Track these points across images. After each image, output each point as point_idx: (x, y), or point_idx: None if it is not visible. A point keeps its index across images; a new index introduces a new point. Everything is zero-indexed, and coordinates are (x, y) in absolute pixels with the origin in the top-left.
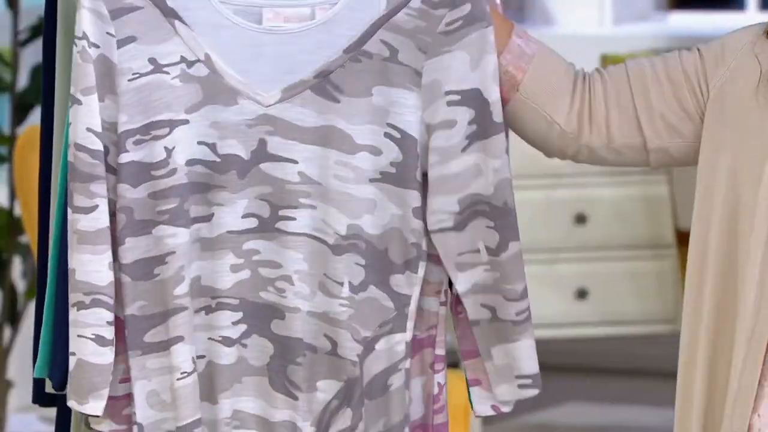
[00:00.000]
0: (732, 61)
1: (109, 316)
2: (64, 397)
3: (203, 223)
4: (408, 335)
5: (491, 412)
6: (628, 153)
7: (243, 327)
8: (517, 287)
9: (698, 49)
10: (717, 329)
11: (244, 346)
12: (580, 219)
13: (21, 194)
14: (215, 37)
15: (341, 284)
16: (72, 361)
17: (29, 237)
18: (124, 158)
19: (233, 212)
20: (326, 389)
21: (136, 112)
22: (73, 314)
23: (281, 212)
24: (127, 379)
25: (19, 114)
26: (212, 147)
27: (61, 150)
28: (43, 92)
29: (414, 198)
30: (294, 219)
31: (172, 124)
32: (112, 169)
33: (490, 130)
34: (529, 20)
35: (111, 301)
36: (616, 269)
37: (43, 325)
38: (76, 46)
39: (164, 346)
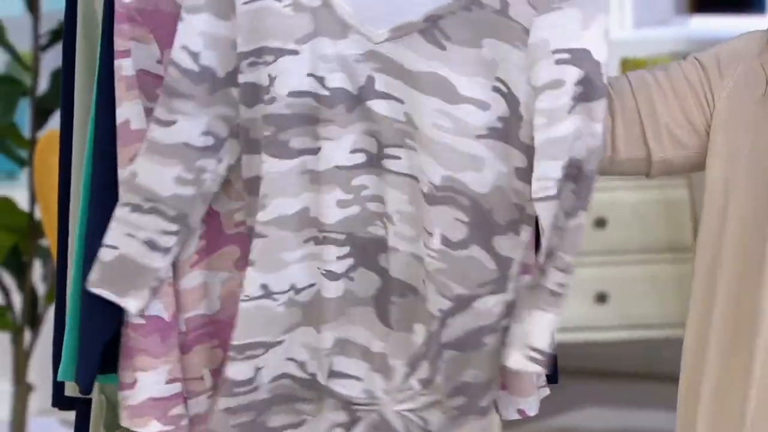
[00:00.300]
0: (735, 71)
1: (167, 226)
2: (83, 401)
3: (309, 156)
4: (509, 296)
5: (516, 416)
6: (629, 164)
7: (350, 261)
8: (568, 258)
9: (697, 60)
10: (730, 333)
11: (351, 279)
12: (600, 223)
13: (41, 197)
14: None
15: (431, 235)
16: (110, 253)
17: (49, 240)
18: (241, 78)
19: (342, 147)
20: (419, 332)
21: (248, 36)
22: (123, 212)
23: (387, 150)
24: (174, 380)
25: (40, 118)
26: (320, 80)
27: (81, 153)
28: (62, 96)
29: (517, 158)
30: (399, 158)
31: (279, 53)
32: (238, 86)
33: (596, 93)
34: None
35: (172, 213)
36: (636, 273)
37: (67, 328)
38: None
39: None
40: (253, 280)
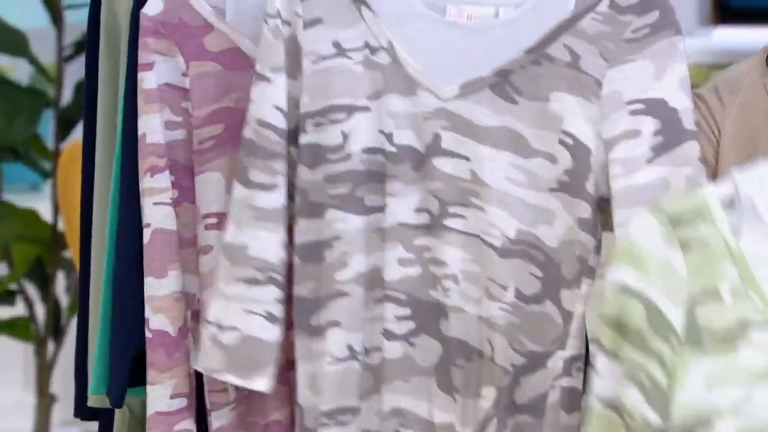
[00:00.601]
0: (738, 97)
1: (280, 294)
2: (105, 412)
3: (379, 213)
4: (567, 353)
5: None
6: None
7: (411, 324)
8: None
9: (697, 95)
10: None
11: (412, 344)
12: None
13: (64, 209)
14: (400, 26)
15: (505, 288)
16: (232, 335)
17: (72, 252)
18: (303, 139)
19: (406, 204)
20: (488, 396)
21: (316, 94)
22: (238, 289)
23: (451, 209)
24: (179, 395)
25: (63, 129)
26: (389, 137)
27: (104, 165)
28: (85, 108)
29: (583, 209)
30: (463, 217)
31: (352, 110)
32: (298, 148)
33: (680, 138)
34: None
35: (282, 280)
36: None
37: (98, 342)
38: (267, 23)
39: (323, 330)
40: (339, 340)
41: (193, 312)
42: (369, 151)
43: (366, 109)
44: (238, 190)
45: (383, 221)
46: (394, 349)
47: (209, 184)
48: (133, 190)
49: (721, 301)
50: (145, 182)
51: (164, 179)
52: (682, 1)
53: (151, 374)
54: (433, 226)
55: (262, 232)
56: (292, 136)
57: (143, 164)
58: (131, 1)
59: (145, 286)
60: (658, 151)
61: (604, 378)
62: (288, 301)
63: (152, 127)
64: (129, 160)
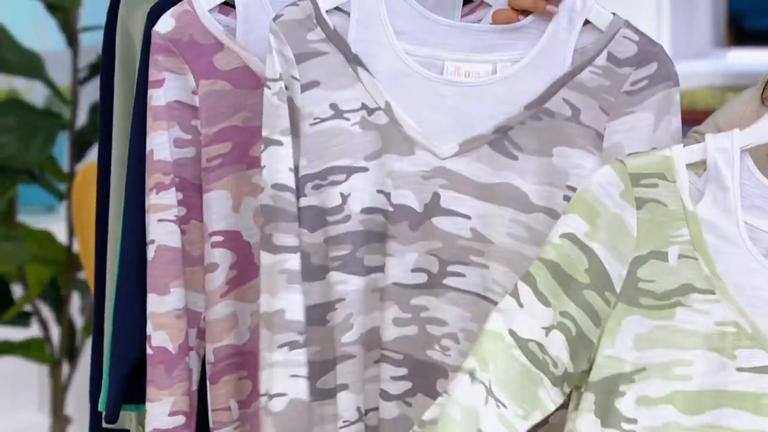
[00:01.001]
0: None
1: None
2: None
3: (378, 273)
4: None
5: None
6: None
7: (407, 384)
8: None
9: (697, 133)
10: None
11: (408, 404)
12: None
13: (79, 230)
14: (396, 86)
15: None
16: (280, 402)
17: (87, 273)
18: (303, 202)
19: (402, 265)
20: None
21: (315, 156)
22: (282, 355)
23: (450, 268)
24: (178, 413)
25: (78, 151)
26: (387, 196)
27: (118, 186)
28: (100, 130)
29: None
30: (463, 276)
31: (350, 171)
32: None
33: None
34: None
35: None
36: None
37: (105, 359)
38: (270, 88)
39: (332, 393)
40: (349, 403)
41: (198, 330)
42: (368, 211)
43: (364, 169)
44: (265, 257)
45: (381, 281)
46: (389, 410)
47: (216, 203)
48: (137, 207)
49: (667, 262)
50: (151, 199)
51: (169, 196)
52: (696, 22)
53: (150, 391)
54: (432, 286)
55: (294, 295)
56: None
57: (149, 181)
58: (145, 22)
59: (147, 302)
60: None
61: (526, 313)
62: None
63: (160, 144)
64: (134, 176)
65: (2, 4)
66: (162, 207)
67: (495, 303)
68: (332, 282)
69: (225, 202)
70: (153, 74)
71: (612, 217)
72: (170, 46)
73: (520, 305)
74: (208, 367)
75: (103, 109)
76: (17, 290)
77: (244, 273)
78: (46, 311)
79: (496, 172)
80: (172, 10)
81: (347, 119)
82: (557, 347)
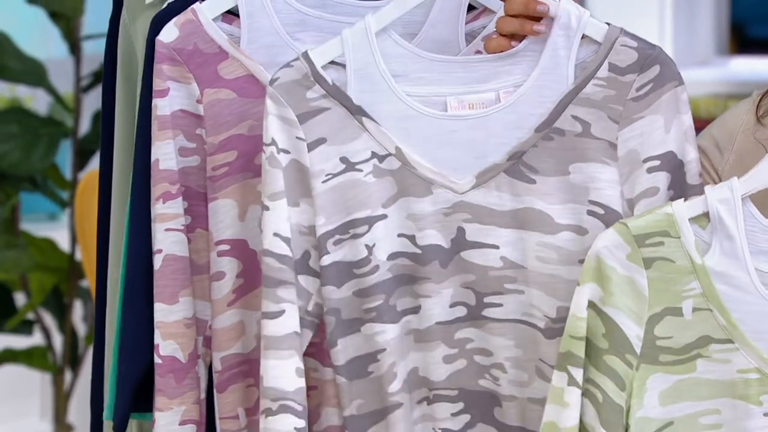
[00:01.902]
0: (733, 146)
1: (297, 422)
2: None
3: (412, 315)
4: None
5: None
6: None
7: (466, 417)
8: None
9: (699, 148)
10: None
11: None
12: None
13: (81, 239)
14: (404, 129)
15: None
16: None
17: (89, 281)
18: (326, 260)
19: (440, 303)
20: None
21: (332, 212)
22: (262, 422)
23: (486, 299)
24: (188, 422)
25: (81, 159)
26: (411, 239)
27: (120, 194)
28: (102, 138)
29: None
30: (501, 305)
31: (371, 221)
32: (315, 273)
33: (686, 193)
34: None
35: (299, 408)
36: None
37: (111, 368)
38: (264, 152)
39: None
40: None
41: (205, 338)
42: (394, 257)
43: (384, 217)
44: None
45: (417, 323)
46: None
47: (222, 211)
48: (143, 216)
49: (682, 317)
50: (157, 208)
51: (177, 205)
52: (699, 30)
53: (159, 401)
54: (472, 318)
55: (272, 361)
56: (301, 264)
57: (155, 190)
58: (148, 30)
59: (155, 312)
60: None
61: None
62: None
63: (166, 153)
64: (139, 185)
65: (5, 12)
66: (169, 216)
67: (536, 326)
68: (370, 334)
69: (231, 211)
70: (157, 83)
71: (622, 280)
72: (174, 55)
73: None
74: (215, 376)
75: (105, 117)
76: (20, 298)
77: (251, 281)
78: (49, 319)
79: (516, 198)
80: (175, 19)
81: (360, 170)
82: (590, 416)
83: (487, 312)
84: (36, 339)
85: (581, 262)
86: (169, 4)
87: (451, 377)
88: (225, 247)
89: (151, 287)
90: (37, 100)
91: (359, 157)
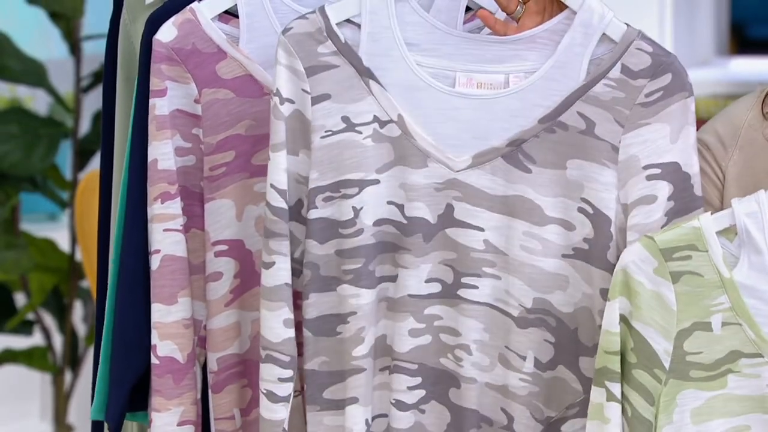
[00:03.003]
0: (737, 141)
1: (282, 372)
2: None
3: (389, 283)
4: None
5: None
6: None
7: (421, 392)
8: None
9: (702, 143)
10: None
11: (422, 411)
12: None
13: (81, 239)
14: (409, 98)
15: (524, 358)
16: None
17: (90, 281)
18: (313, 214)
19: (417, 276)
20: None
21: (327, 169)
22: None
23: (464, 279)
24: (187, 422)
25: (81, 159)
26: (400, 208)
27: (120, 195)
28: (102, 138)
29: (604, 279)
30: (476, 287)
31: (362, 184)
32: (305, 222)
33: (690, 205)
34: None
35: (285, 359)
36: None
37: (100, 367)
38: (270, 102)
39: (340, 405)
40: (359, 416)
41: (199, 338)
42: (380, 223)
43: (376, 182)
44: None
45: (392, 292)
46: (404, 419)
47: (220, 211)
48: (138, 217)
49: (711, 332)
50: (155, 208)
51: (175, 206)
52: (699, 30)
53: (157, 401)
54: (446, 296)
55: (264, 311)
56: (294, 212)
57: (153, 190)
58: (144, 29)
59: (152, 312)
60: (671, 216)
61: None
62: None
63: (164, 153)
64: (134, 185)
65: (5, 12)
66: (167, 217)
67: (509, 314)
68: (344, 295)
69: (229, 211)
70: (155, 83)
71: (650, 294)
72: (172, 54)
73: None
74: (210, 376)
75: (105, 117)
76: (20, 299)
77: (247, 281)
78: (49, 320)
79: (509, 185)
80: (173, 18)
81: (359, 132)
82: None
83: (462, 292)
84: (36, 339)
85: (564, 257)
86: (165, 2)
87: (413, 351)
88: (222, 247)
89: (148, 288)
90: (37, 101)
91: (361, 119)
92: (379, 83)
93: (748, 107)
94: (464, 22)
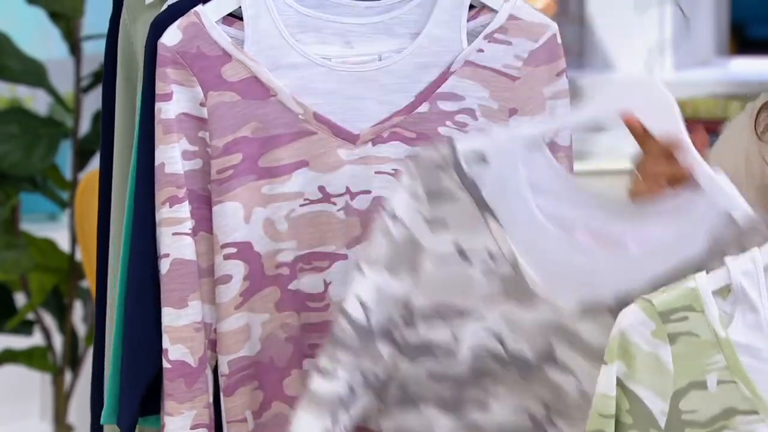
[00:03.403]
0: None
1: None
2: None
3: (476, 414)
4: None
5: None
6: None
7: None
8: None
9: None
10: None
11: None
12: None
13: (81, 239)
14: (525, 239)
15: None
16: None
17: (89, 281)
18: (412, 337)
19: (509, 408)
20: None
21: (433, 294)
22: None
23: (555, 420)
24: (199, 426)
25: (81, 159)
26: (502, 343)
27: (120, 195)
28: (102, 138)
29: None
30: (561, 430)
31: (466, 314)
32: (393, 341)
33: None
34: (589, 66)
35: None
36: None
37: (110, 372)
38: (382, 217)
39: None
40: None
41: (210, 341)
42: (478, 352)
43: (480, 314)
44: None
45: (481, 422)
46: None
47: (228, 214)
48: (147, 221)
49: (707, 390)
50: (163, 212)
51: (184, 209)
52: (699, 31)
53: (169, 405)
54: (536, 429)
55: (305, 414)
56: (380, 333)
57: (161, 194)
58: (147, 30)
59: (162, 316)
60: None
61: None
62: None
63: (171, 157)
64: (143, 190)
65: (5, 12)
66: (176, 220)
67: None
68: (426, 415)
69: (237, 214)
70: (161, 87)
71: (647, 357)
72: (178, 58)
73: None
74: (222, 380)
75: (105, 118)
76: (20, 299)
77: (256, 284)
78: (49, 320)
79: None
80: (178, 22)
81: (471, 263)
82: None
83: (550, 430)
84: (36, 339)
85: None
86: (168, 6)
87: None
88: (231, 250)
89: (157, 292)
90: (37, 101)
91: (474, 251)
92: (496, 219)
93: (740, 128)
94: (468, 20)
